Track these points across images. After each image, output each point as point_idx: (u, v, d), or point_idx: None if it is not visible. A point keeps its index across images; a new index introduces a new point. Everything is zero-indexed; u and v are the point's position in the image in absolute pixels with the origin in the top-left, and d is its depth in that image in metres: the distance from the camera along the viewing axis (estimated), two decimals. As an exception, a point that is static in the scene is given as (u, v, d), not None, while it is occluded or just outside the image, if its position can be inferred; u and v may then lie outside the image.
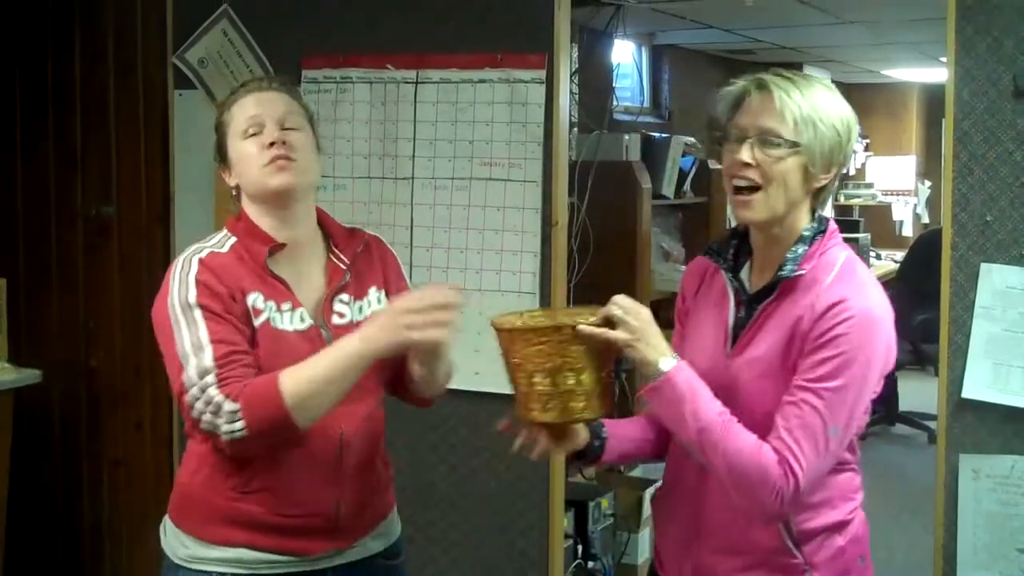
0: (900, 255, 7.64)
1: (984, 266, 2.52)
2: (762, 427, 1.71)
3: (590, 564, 3.66)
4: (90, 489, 3.71)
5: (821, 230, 1.80)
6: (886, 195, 9.20)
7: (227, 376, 1.78)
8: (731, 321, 1.82)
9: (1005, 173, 2.51)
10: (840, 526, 1.81)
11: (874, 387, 1.76)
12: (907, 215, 9.19)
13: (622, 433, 1.93)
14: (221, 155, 1.98)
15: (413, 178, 3.11)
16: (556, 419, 1.72)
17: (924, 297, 5.77)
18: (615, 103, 5.20)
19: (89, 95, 3.59)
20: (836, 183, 1.83)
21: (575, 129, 4.17)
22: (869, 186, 9.29)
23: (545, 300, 2.98)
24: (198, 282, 1.85)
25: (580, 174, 3.88)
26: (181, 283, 1.86)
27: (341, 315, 1.95)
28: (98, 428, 3.67)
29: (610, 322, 1.71)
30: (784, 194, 1.74)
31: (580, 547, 3.62)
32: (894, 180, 9.22)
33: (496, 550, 3.08)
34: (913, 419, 6.46)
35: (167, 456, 3.53)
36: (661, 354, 1.72)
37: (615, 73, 4.98)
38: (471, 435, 3.08)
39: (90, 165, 3.61)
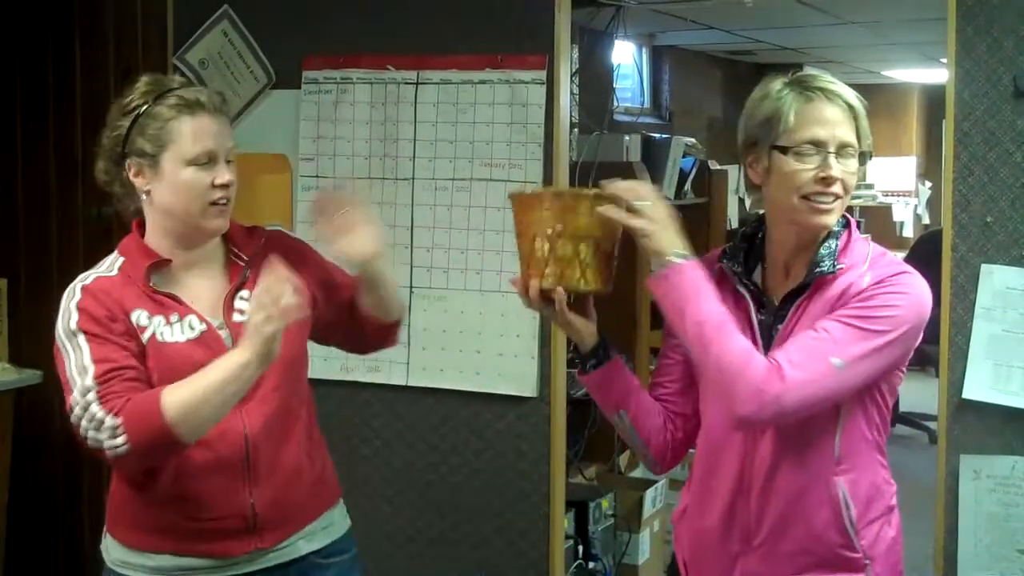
0: (901, 256, 7.63)
1: (984, 267, 2.52)
2: (810, 414, 1.70)
3: (591, 564, 3.66)
4: (90, 490, 3.70)
5: (845, 224, 1.83)
6: (887, 196, 9.21)
7: (107, 392, 1.80)
8: (756, 324, 1.81)
9: (1005, 174, 2.51)
10: (889, 513, 1.87)
11: (897, 358, 1.76)
12: (908, 216, 9.19)
13: (635, 386, 1.87)
14: (137, 153, 1.92)
15: (413, 179, 3.11)
16: (552, 285, 1.74)
17: (924, 298, 5.78)
18: (615, 104, 5.21)
19: (89, 96, 3.59)
20: None
21: (575, 130, 4.17)
22: (869, 187, 9.28)
23: (545, 301, 2.98)
24: (79, 308, 1.87)
25: (581, 175, 3.88)
26: (64, 311, 1.89)
27: (241, 312, 1.93)
28: (98, 429, 3.67)
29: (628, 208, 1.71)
30: (846, 201, 1.79)
31: (580, 548, 3.62)
32: (894, 181, 9.23)
33: (496, 551, 3.07)
34: (914, 420, 6.47)
35: (167, 457, 3.53)
36: (676, 246, 1.71)
37: (615, 74, 4.99)
38: (472, 436, 3.07)
39: (90, 166, 3.59)
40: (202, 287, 1.96)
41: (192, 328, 1.91)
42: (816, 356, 1.67)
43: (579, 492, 3.68)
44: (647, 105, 6.01)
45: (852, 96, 1.79)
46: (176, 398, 1.78)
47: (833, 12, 4.97)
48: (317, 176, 3.16)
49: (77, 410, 1.82)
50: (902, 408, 6.64)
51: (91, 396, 1.81)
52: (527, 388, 2.98)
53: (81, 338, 1.85)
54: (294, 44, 3.22)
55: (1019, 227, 2.50)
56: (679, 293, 1.70)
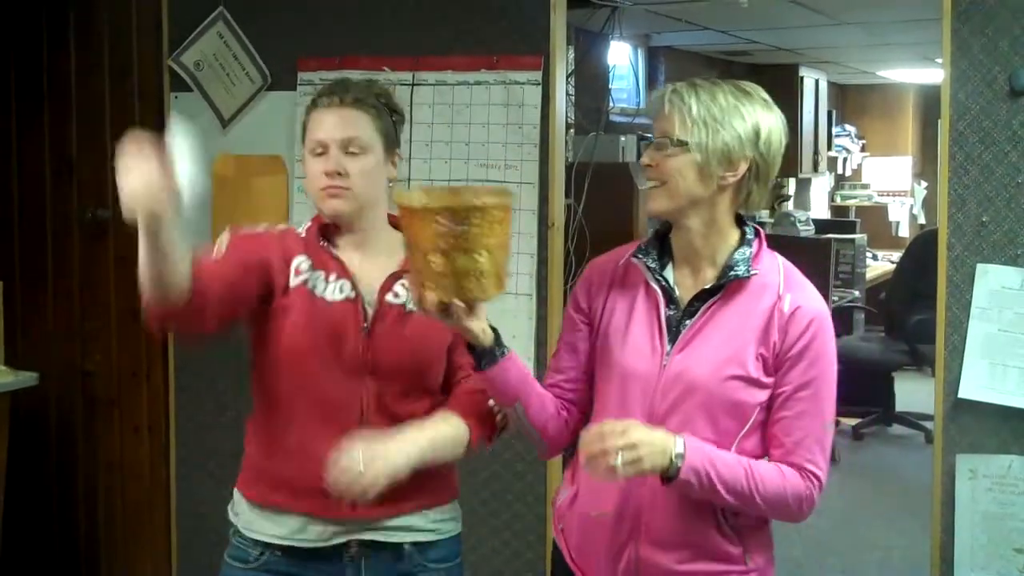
0: (897, 256, 7.65)
1: (980, 266, 2.53)
2: (711, 411, 1.82)
3: (588, 566, 3.65)
4: (86, 493, 3.70)
5: (756, 234, 1.93)
6: (882, 196, 9.22)
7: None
8: (664, 318, 1.89)
9: (1001, 173, 2.51)
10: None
11: None
12: (903, 216, 9.21)
13: (530, 378, 1.93)
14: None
15: (409, 180, 3.11)
16: (449, 298, 1.74)
17: (920, 298, 5.78)
18: (611, 105, 5.21)
19: (84, 98, 3.59)
20: (758, 185, 1.89)
21: (571, 131, 4.17)
22: (865, 187, 9.31)
23: (542, 302, 2.99)
24: (252, 229, 2.06)
25: (576, 176, 3.88)
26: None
27: (396, 295, 2.01)
28: (94, 432, 3.67)
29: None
30: (682, 188, 1.85)
31: (578, 549, 3.62)
32: (890, 181, 9.24)
33: (493, 551, 3.07)
34: (910, 419, 6.47)
35: (163, 460, 3.53)
36: (669, 449, 1.76)
37: (611, 75, 4.99)
38: (468, 437, 3.07)
39: (85, 168, 3.61)
40: (368, 264, 2.04)
41: (342, 291, 2.00)
42: (820, 438, 1.85)
43: (576, 493, 3.67)
44: (643, 106, 6.00)
45: (694, 93, 1.89)
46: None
47: (828, 12, 4.98)
48: (313, 177, 3.16)
49: None
50: (898, 408, 6.65)
51: None
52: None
53: (226, 237, 2.02)
54: (289, 46, 3.22)
55: (1014, 226, 2.50)
56: (702, 485, 1.78)
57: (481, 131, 3.03)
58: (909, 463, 5.95)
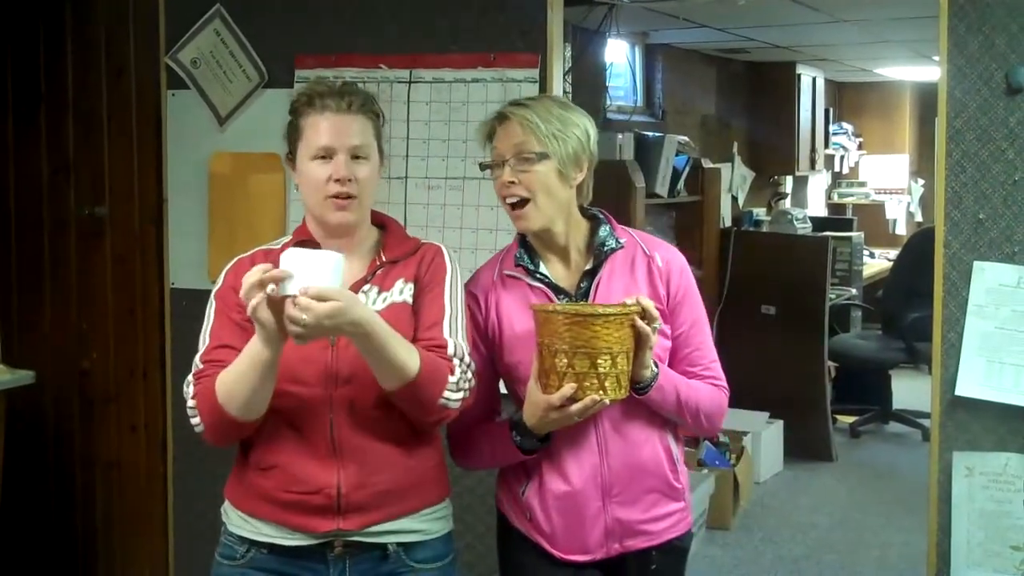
0: (894, 253, 7.66)
1: (977, 264, 2.53)
2: None
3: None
4: (83, 492, 3.70)
5: (603, 213, 2.17)
6: (879, 194, 9.22)
7: (201, 374, 1.98)
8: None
9: (997, 171, 2.51)
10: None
11: None
12: (900, 213, 9.21)
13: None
14: (291, 152, 2.09)
15: (407, 178, 3.11)
16: (591, 396, 1.92)
17: (917, 295, 5.79)
18: (608, 102, 5.21)
19: (81, 96, 3.59)
20: (591, 178, 2.14)
21: (568, 128, 4.16)
22: (862, 185, 9.31)
23: (539, 299, 2.98)
24: (224, 276, 2.09)
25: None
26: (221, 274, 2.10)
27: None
28: (91, 430, 3.66)
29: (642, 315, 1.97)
30: (550, 199, 2.06)
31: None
32: (887, 179, 9.24)
33: (491, 550, 3.07)
34: (907, 417, 6.47)
35: (161, 459, 3.52)
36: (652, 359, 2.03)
37: (608, 72, 5.00)
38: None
39: (82, 166, 3.61)
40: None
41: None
42: (715, 358, 2.17)
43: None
44: (640, 103, 6.00)
45: (529, 110, 2.07)
46: (222, 379, 1.93)
47: (825, 10, 4.98)
48: (310, 175, 3.16)
49: (185, 388, 2.01)
50: (895, 406, 6.65)
51: (190, 377, 2.00)
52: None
53: (212, 308, 2.05)
54: (286, 43, 3.22)
55: (1011, 224, 2.50)
56: (669, 396, 2.07)
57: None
58: (906, 461, 5.95)
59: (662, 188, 5.25)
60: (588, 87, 4.74)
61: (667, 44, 6.21)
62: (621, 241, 2.13)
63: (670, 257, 2.15)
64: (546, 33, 2.95)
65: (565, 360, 1.91)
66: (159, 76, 3.40)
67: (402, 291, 2.06)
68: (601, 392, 1.92)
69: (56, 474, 3.72)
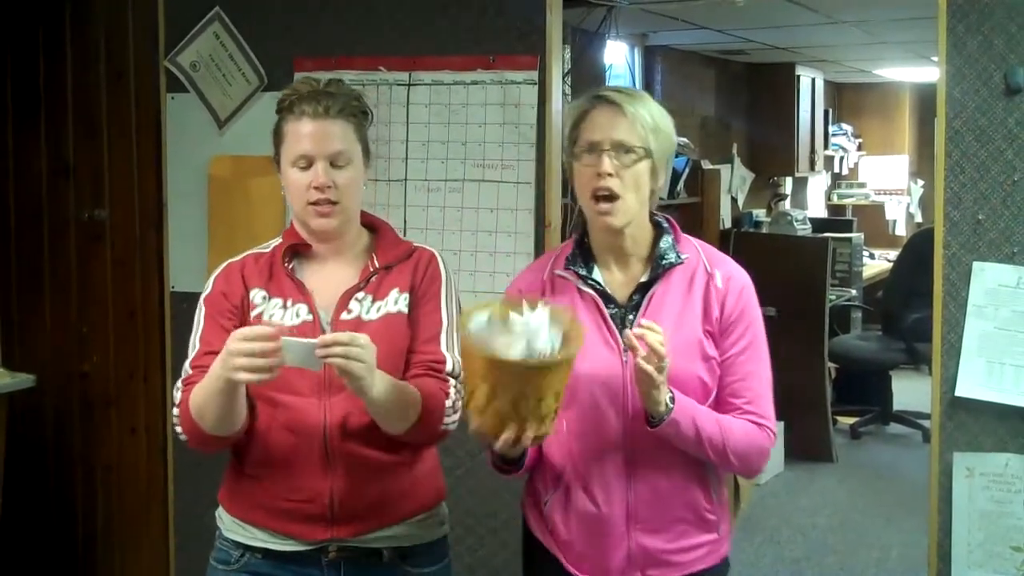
0: (893, 254, 7.66)
1: (976, 264, 2.53)
2: (687, 393, 1.92)
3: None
4: (84, 495, 3.70)
5: (668, 221, 2.05)
6: (879, 194, 9.23)
7: (189, 380, 1.99)
8: (607, 317, 1.97)
9: (997, 171, 2.51)
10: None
11: None
12: (900, 214, 9.21)
13: (532, 455, 2.04)
14: (276, 156, 2.08)
15: (406, 180, 3.11)
16: (512, 435, 1.79)
17: (917, 296, 5.79)
18: (608, 104, 5.18)
19: (81, 99, 3.59)
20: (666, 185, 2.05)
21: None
22: (862, 186, 9.31)
23: (539, 301, 2.98)
24: (214, 281, 2.08)
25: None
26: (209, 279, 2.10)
27: (350, 311, 2.01)
28: (92, 433, 3.66)
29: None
30: (637, 198, 1.95)
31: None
32: (887, 179, 9.25)
33: (491, 552, 3.07)
34: (907, 418, 6.47)
35: (161, 461, 3.52)
36: (666, 392, 1.88)
37: (608, 74, 5.00)
38: (466, 437, 3.06)
39: (82, 170, 3.61)
40: (331, 280, 2.04)
41: (298, 316, 2.00)
42: (766, 392, 2.00)
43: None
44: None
45: (636, 100, 1.95)
46: (195, 395, 1.94)
47: (824, 11, 4.98)
48: (309, 178, 3.16)
49: (174, 392, 2.02)
50: (896, 406, 6.65)
51: (179, 383, 2.01)
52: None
53: (202, 312, 2.05)
54: (285, 46, 3.22)
55: (1011, 224, 2.50)
56: (688, 430, 1.90)
57: (478, 131, 3.03)
58: (906, 462, 5.95)
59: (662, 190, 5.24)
60: (587, 89, 4.74)
61: (666, 46, 6.21)
62: (682, 256, 1.99)
63: (732, 276, 2.01)
64: (545, 35, 2.95)
65: (508, 401, 1.76)
66: (158, 79, 3.40)
67: (396, 301, 2.04)
68: (537, 429, 1.79)
69: (56, 477, 3.72)
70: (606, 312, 1.96)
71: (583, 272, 2.00)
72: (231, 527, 2.08)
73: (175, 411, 1.99)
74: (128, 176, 3.54)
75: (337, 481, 1.98)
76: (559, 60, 3.02)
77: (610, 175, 1.91)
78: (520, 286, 2.07)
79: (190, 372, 2.00)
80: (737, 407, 1.97)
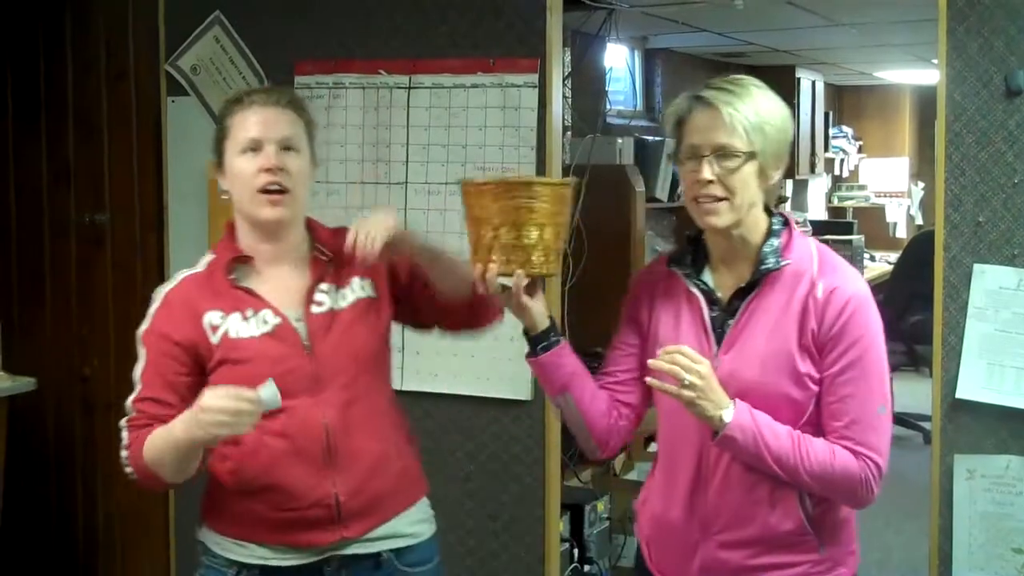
0: (894, 256, 7.65)
1: (977, 267, 2.53)
2: (767, 408, 1.81)
3: (586, 568, 3.66)
4: (84, 498, 3.70)
5: (785, 223, 1.91)
6: (879, 197, 9.22)
7: (133, 421, 1.97)
8: (709, 321, 1.89)
9: (997, 174, 2.51)
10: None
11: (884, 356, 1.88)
12: (901, 216, 9.21)
13: (582, 369, 1.94)
14: (218, 157, 2.01)
15: (407, 183, 3.11)
16: (512, 270, 1.80)
17: (918, 298, 5.79)
18: (608, 107, 5.19)
19: (81, 103, 3.59)
20: (783, 175, 1.93)
21: (568, 133, 4.17)
22: (862, 188, 9.31)
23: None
24: (152, 317, 2.02)
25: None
26: (148, 312, 2.04)
27: (319, 304, 1.99)
28: (92, 437, 3.66)
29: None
30: (746, 199, 1.84)
31: (576, 551, 3.62)
32: (887, 182, 9.24)
33: (491, 554, 3.07)
34: (908, 420, 6.47)
35: (162, 463, 3.52)
36: (721, 404, 1.78)
37: (608, 77, 4.99)
38: (465, 440, 3.07)
39: (83, 173, 3.61)
40: (284, 281, 2.00)
41: (266, 322, 1.96)
42: (870, 420, 1.85)
43: (574, 495, 3.67)
44: (639, 108, 6.00)
45: (736, 97, 1.84)
46: (151, 445, 1.91)
47: (824, 14, 4.98)
48: (310, 181, 3.16)
49: (120, 424, 1.99)
50: (896, 409, 6.63)
51: (123, 422, 1.98)
52: (522, 392, 2.98)
53: (142, 349, 2.00)
54: (286, 49, 3.22)
55: (1011, 226, 2.50)
56: (750, 449, 1.80)
57: (478, 134, 3.03)
58: (907, 463, 5.93)
59: (662, 192, 5.24)
60: (588, 92, 4.73)
61: (666, 48, 6.21)
62: (782, 262, 1.85)
63: (837, 286, 1.83)
64: (545, 38, 2.95)
65: (491, 232, 1.80)
66: (159, 83, 3.40)
67: (363, 287, 2.03)
68: (544, 266, 1.81)
69: (56, 480, 3.72)
70: (706, 315, 1.89)
71: (687, 271, 1.93)
72: (225, 545, 2.02)
73: (123, 452, 1.95)
74: (128, 179, 3.54)
75: (341, 480, 1.97)
76: (559, 63, 3.02)
77: (710, 181, 1.83)
78: (643, 276, 2.05)
79: (133, 414, 1.97)
80: (834, 430, 1.83)
